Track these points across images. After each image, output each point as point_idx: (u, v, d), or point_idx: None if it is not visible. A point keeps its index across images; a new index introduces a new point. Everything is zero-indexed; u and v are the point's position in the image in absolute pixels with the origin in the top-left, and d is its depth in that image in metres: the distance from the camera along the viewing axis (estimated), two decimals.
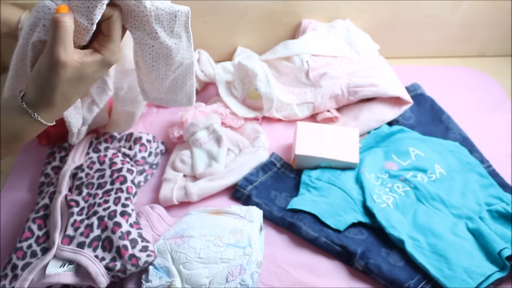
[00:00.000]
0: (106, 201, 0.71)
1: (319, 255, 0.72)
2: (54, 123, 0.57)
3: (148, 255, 0.66)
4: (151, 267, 0.66)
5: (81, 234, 0.67)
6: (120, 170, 0.75)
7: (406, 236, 0.70)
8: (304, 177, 0.80)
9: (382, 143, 0.85)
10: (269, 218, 0.76)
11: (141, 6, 0.55)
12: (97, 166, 0.77)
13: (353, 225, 0.74)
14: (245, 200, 0.78)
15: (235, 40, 1.01)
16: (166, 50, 0.61)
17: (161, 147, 0.86)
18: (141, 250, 0.66)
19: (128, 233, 0.67)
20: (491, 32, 1.02)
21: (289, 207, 0.76)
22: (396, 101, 0.88)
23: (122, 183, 0.74)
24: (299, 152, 0.79)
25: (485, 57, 1.07)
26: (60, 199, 0.72)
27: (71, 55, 0.53)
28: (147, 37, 0.59)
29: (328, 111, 0.89)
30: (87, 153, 0.81)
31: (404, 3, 0.96)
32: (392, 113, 0.88)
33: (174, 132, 0.85)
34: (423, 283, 0.67)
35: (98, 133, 0.84)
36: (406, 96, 0.87)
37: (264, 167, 0.82)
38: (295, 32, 1.00)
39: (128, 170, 0.76)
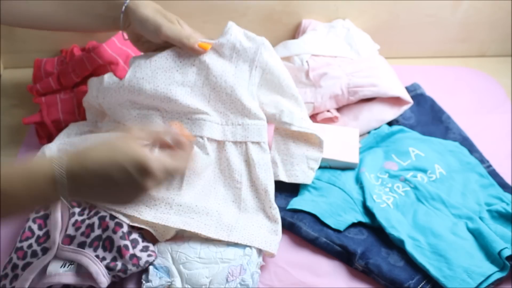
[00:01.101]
0: None
1: (319, 255, 0.72)
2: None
3: (149, 255, 0.66)
4: (151, 267, 0.66)
5: (82, 234, 0.67)
6: None
7: (406, 236, 0.71)
8: None
9: (382, 143, 0.85)
10: None
11: None
12: None
13: (353, 225, 0.74)
14: None
15: None
16: None
17: None
18: (142, 250, 0.66)
19: (129, 233, 0.67)
20: (491, 32, 1.02)
21: (289, 207, 0.76)
22: (396, 101, 0.88)
23: None
24: None
25: (485, 57, 1.07)
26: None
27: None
28: None
29: (328, 111, 0.89)
30: None
31: (404, 3, 0.96)
32: (392, 113, 0.88)
33: None
34: (423, 283, 0.67)
35: None
36: (406, 96, 0.87)
37: None
38: (295, 32, 1.00)
39: None
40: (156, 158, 0.53)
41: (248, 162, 0.73)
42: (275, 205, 0.72)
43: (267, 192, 0.72)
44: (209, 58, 0.73)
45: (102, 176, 0.51)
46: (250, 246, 0.67)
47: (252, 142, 0.73)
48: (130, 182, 0.52)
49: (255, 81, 0.74)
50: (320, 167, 0.81)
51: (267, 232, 0.70)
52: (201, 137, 0.72)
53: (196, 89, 0.72)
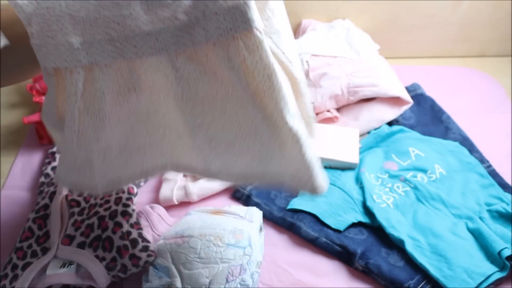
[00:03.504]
0: (107, 201, 0.71)
1: (319, 255, 0.72)
2: None
3: (149, 255, 0.66)
4: (151, 267, 0.66)
5: (82, 234, 0.67)
6: None
7: (406, 236, 0.71)
8: None
9: (382, 143, 0.85)
10: (269, 218, 0.76)
11: None
12: None
13: (353, 225, 0.74)
14: (245, 200, 0.78)
15: None
16: None
17: None
18: (141, 250, 0.66)
19: (129, 233, 0.67)
20: (491, 32, 1.02)
21: (289, 207, 0.76)
22: (396, 101, 0.88)
23: None
24: None
25: (485, 57, 1.07)
26: (60, 199, 0.72)
27: None
28: None
29: (328, 111, 0.89)
30: None
31: (404, 3, 0.97)
32: (392, 113, 0.88)
33: None
34: (423, 283, 0.67)
35: None
36: (406, 96, 0.87)
37: None
38: (295, 32, 1.00)
39: None
40: None
41: (245, 71, 0.50)
42: (294, 125, 0.51)
43: (277, 106, 0.51)
44: None
45: None
46: (250, 246, 0.67)
47: (241, 37, 0.49)
48: None
49: None
50: None
51: (298, 164, 0.53)
52: (176, 57, 0.51)
53: None
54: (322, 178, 0.54)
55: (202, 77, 0.53)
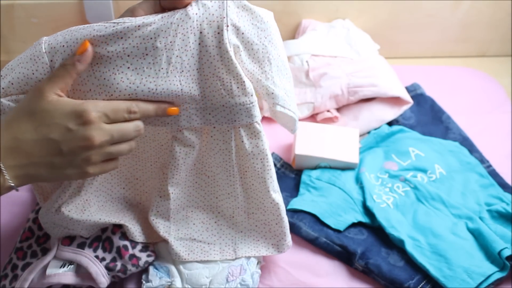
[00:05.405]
0: None
1: (319, 255, 0.72)
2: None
3: (149, 255, 0.66)
4: (151, 267, 0.66)
5: None
6: None
7: (406, 236, 0.71)
8: (304, 177, 0.80)
9: (382, 143, 0.85)
10: None
11: None
12: None
13: (353, 225, 0.74)
14: None
15: None
16: None
17: None
18: (141, 250, 0.66)
19: None
20: (491, 32, 1.02)
21: (289, 207, 0.76)
22: (396, 101, 0.88)
23: None
24: (299, 152, 0.79)
25: (485, 57, 1.07)
26: None
27: (53, 88, 0.49)
28: None
29: (328, 111, 0.89)
30: None
31: (404, 3, 0.97)
32: (392, 113, 0.88)
33: None
34: (423, 283, 0.67)
35: None
36: (406, 96, 0.87)
37: None
38: (295, 32, 1.00)
39: None
40: (91, 101, 0.51)
41: (239, 151, 0.62)
42: (275, 198, 0.64)
43: (265, 183, 0.63)
44: (163, 38, 0.54)
45: (39, 141, 0.49)
46: None
47: (242, 126, 0.60)
48: (72, 136, 0.49)
49: (231, 42, 0.55)
50: (320, 167, 0.81)
51: (274, 225, 0.66)
52: (179, 130, 0.59)
53: (160, 82, 0.55)
54: (290, 238, 0.67)
55: (191, 150, 0.62)
